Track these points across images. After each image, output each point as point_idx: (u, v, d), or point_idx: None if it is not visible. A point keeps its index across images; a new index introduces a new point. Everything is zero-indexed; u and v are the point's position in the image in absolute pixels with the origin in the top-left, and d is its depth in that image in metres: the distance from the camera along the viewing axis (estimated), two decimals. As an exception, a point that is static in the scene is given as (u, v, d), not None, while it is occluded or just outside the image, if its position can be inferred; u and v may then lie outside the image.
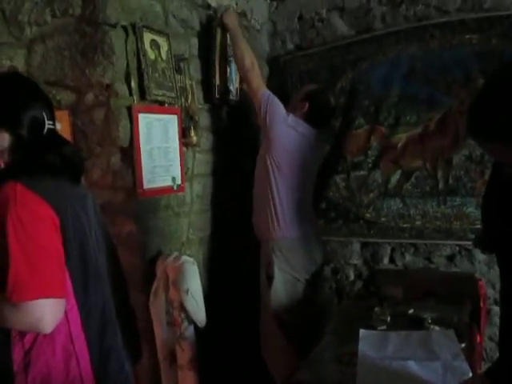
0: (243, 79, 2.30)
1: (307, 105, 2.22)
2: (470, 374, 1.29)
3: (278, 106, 2.16)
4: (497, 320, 2.38)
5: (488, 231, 1.34)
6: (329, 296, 2.81)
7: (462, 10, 2.36)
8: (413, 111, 2.44)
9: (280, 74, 2.83)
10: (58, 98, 1.85)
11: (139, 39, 1.79)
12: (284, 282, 2.13)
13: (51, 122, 1.13)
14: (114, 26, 1.75)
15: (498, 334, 1.68)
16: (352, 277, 2.77)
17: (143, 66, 1.79)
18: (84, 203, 1.17)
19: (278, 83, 2.84)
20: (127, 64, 1.78)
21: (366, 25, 2.59)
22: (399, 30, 2.46)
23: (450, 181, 2.39)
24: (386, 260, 2.66)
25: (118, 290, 1.26)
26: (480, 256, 2.39)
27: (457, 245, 2.45)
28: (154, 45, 1.87)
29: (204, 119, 2.25)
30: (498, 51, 2.21)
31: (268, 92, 2.19)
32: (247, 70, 2.17)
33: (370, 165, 2.58)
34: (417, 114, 2.44)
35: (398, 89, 2.46)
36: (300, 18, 2.78)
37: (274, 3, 2.83)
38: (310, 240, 2.23)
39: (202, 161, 2.25)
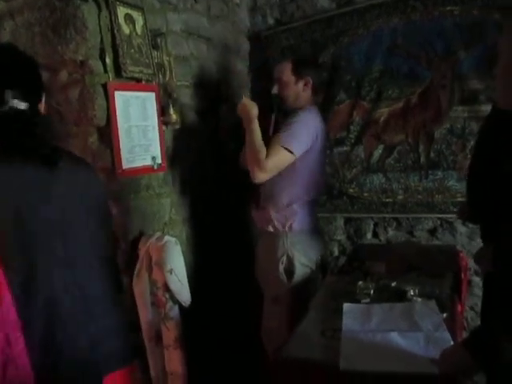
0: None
1: (310, 80, 2.05)
2: (452, 343, 1.31)
3: (305, 145, 1.98)
4: (478, 290, 2.43)
5: (472, 202, 1.34)
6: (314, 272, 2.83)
7: (443, -19, 2.33)
8: (395, 85, 2.42)
9: (261, 49, 2.78)
10: (30, 76, 1.79)
11: (113, 13, 1.72)
12: (304, 275, 2.07)
13: (15, 101, 1.10)
14: (85, 0, 1.68)
15: (479, 304, 1.71)
16: (336, 252, 2.79)
17: (118, 42, 1.73)
18: (47, 187, 1.12)
19: (260, 59, 2.79)
20: (101, 40, 1.72)
21: (347, -3, 2.54)
22: (380, 2, 2.42)
23: (432, 155, 2.40)
24: (369, 235, 2.68)
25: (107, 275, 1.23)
26: (461, 228, 2.42)
27: (438, 218, 2.47)
28: (129, 19, 1.80)
29: (183, 96, 2.20)
30: (479, 23, 2.19)
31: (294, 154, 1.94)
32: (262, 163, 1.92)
33: (353, 140, 2.57)
34: (399, 88, 2.42)
35: (379, 63, 2.43)
36: (280, -9, 2.72)
37: (253, -24, 2.76)
38: (318, 228, 2.20)
39: (183, 139, 2.20)
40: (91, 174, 1.30)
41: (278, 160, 1.92)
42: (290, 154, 1.93)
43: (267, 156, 1.91)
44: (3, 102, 1.09)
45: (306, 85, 2.06)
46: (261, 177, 1.93)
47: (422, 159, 2.43)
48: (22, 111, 1.13)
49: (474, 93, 2.23)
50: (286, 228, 2.06)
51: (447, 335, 1.36)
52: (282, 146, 1.92)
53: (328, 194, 2.66)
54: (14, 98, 1.10)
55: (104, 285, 1.22)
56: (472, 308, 2.44)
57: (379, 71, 2.44)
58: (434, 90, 2.34)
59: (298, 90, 2.05)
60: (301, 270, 2.06)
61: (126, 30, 1.78)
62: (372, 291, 1.67)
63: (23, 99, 1.13)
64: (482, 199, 1.25)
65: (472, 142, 2.27)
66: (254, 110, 1.96)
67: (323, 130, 2.11)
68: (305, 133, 1.97)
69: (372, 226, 2.68)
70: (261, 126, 2.00)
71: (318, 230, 2.23)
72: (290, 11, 2.71)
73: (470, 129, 2.29)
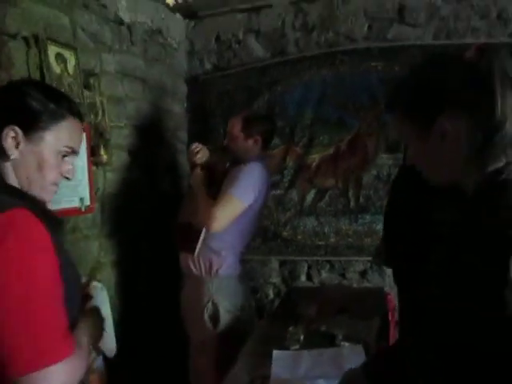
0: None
1: (260, 138, 2.08)
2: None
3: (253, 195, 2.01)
4: (405, 331, 2.50)
5: (387, 245, 1.40)
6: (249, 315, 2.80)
7: (368, 38, 2.52)
8: (325, 132, 2.55)
9: (198, 93, 2.83)
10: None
11: (42, 52, 1.68)
12: (230, 322, 2.03)
13: None
14: (13, 37, 1.63)
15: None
16: (271, 295, 2.79)
17: (47, 81, 1.69)
18: None
19: (197, 102, 2.83)
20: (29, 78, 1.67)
21: (281, 48, 2.67)
22: (312, 55, 2.57)
23: (361, 199, 2.51)
24: (303, 277, 2.71)
25: None
26: (389, 270, 2.51)
27: (368, 260, 2.56)
28: (60, 59, 1.77)
29: (117, 137, 2.16)
30: (401, 77, 2.37)
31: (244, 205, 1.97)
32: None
33: (287, 184, 2.64)
34: (329, 135, 2.54)
35: (311, 111, 2.56)
36: (217, 38, 2.80)
37: (192, 22, 2.83)
38: (244, 275, 2.20)
39: (114, 180, 2.15)
40: None
41: (227, 208, 1.93)
42: (240, 202, 1.95)
43: (217, 205, 1.92)
44: None
45: (255, 142, 2.09)
46: (214, 226, 1.92)
47: (352, 203, 2.53)
48: None
49: (397, 142, 2.39)
50: (212, 274, 2.04)
51: (373, 380, 1.38)
52: (231, 195, 1.93)
53: (263, 236, 2.68)
54: None
55: None
56: (401, 349, 2.50)
57: (311, 119, 2.56)
58: (362, 137, 2.48)
59: (247, 145, 2.08)
60: (226, 317, 2.02)
61: (56, 69, 1.74)
62: (302, 337, 1.66)
63: None
64: (397, 240, 1.29)
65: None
66: (201, 154, 2.07)
67: (268, 185, 2.14)
68: (252, 184, 1.99)
69: (306, 269, 2.71)
70: (214, 173, 2.05)
71: (244, 276, 2.21)
72: (226, 57, 2.80)
73: (394, 175, 2.42)
